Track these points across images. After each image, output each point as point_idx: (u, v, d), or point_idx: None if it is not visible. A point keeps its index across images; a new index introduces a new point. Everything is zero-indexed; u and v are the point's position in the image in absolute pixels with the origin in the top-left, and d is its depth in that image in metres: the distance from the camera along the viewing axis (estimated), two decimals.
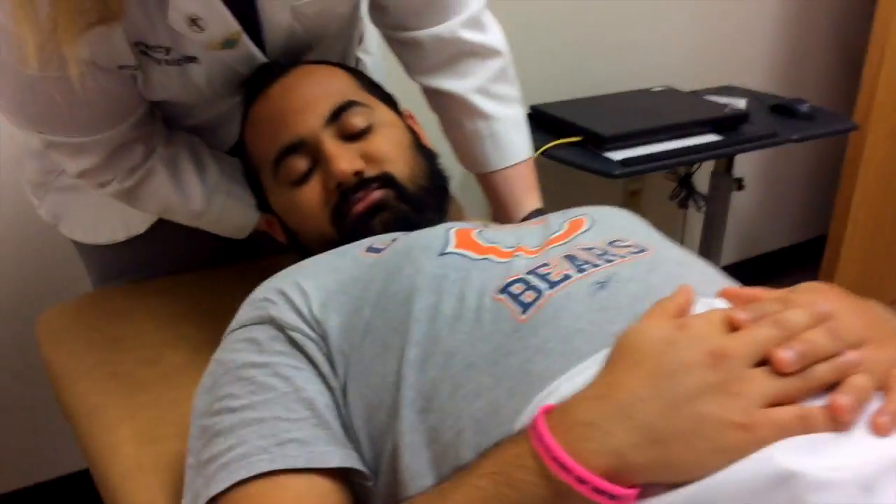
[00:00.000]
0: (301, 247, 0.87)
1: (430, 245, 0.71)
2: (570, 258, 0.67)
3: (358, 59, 1.13)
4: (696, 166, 1.97)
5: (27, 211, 1.15)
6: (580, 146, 1.70)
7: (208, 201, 0.97)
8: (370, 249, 0.76)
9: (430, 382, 0.62)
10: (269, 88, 0.86)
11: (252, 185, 0.92)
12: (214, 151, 1.01)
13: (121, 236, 1.09)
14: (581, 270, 0.65)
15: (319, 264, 0.76)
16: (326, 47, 0.98)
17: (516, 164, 0.98)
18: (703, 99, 1.94)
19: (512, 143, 0.98)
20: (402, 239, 0.75)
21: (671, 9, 2.04)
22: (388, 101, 0.92)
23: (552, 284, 0.64)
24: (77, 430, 0.93)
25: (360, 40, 1.12)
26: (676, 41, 2.10)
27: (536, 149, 1.71)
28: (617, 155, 1.66)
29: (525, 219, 0.97)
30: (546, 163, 1.66)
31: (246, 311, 0.75)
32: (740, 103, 1.95)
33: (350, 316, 0.69)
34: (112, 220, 1.08)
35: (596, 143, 1.68)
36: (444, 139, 1.03)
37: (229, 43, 0.83)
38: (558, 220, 0.77)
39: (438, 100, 0.99)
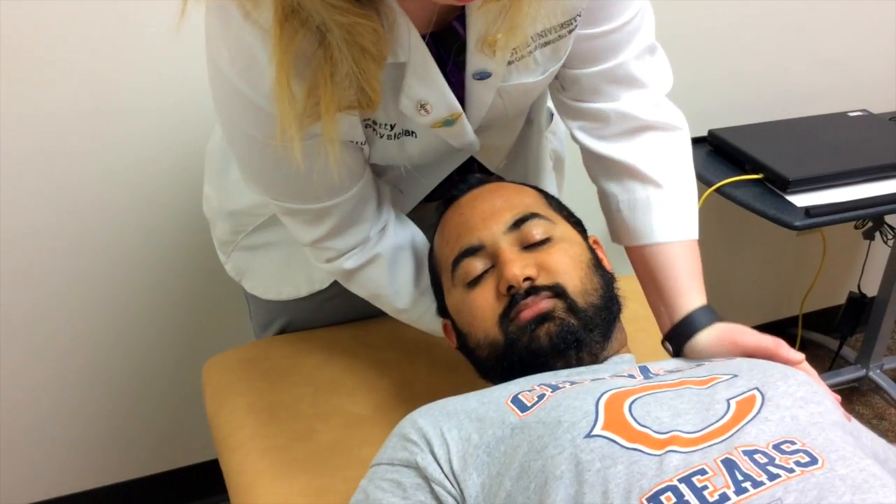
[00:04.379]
0: (468, 349, 0.88)
1: (578, 422, 0.68)
2: (730, 465, 0.62)
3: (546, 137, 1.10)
4: None
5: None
6: (759, 184, 1.58)
7: (414, 303, 1.00)
8: (516, 401, 0.75)
9: None
10: (461, 198, 0.92)
11: (435, 289, 0.95)
12: None
13: (304, 292, 1.12)
14: (741, 491, 0.60)
15: (465, 407, 0.77)
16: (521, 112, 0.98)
17: (684, 241, 0.90)
18: None
19: (684, 217, 0.90)
20: (551, 403, 0.72)
21: (872, 20, 1.83)
22: (574, 221, 0.93)
23: None
24: (233, 499, 0.99)
25: (550, 120, 1.08)
26: (877, 56, 1.88)
27: (711, 184, 1.60)
28: (800, 199, 1.52)
29: (689, 321, 0.87)
30: (712, 196, 1.55)
31: (394, 446, 0.77)
32: None
33: (491, 479, 0.70)
34: (296, 277, 1.11)
35: (778, 184, 1.55)
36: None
37: (449, 122, 0.86)
38: (725, 390, 0.71)
39: (607, 166, 0.93)
